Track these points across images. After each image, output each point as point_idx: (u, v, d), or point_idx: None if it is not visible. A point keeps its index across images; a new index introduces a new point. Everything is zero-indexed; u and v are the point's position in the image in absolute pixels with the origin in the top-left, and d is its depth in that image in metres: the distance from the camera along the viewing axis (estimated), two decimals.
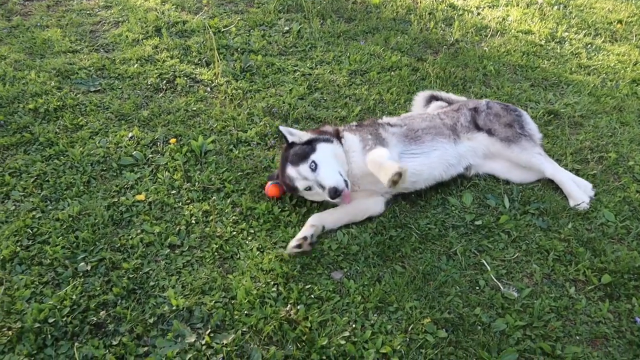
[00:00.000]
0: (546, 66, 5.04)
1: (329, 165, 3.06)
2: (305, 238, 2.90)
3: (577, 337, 2.58)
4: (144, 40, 5.06)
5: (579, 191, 3.39)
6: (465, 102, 3.84)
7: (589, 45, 5.51)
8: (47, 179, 3.34)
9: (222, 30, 5.31)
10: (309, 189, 3.08)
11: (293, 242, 2.88)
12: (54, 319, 2.46)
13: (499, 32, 5.63)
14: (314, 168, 3.03)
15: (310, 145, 3.13)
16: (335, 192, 2.92)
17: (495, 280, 2.86)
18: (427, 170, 3.34)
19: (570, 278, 2.90)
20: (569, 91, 4.66)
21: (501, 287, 2.82)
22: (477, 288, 2.81)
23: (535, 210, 3.32)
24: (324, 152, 3.10)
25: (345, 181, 3.01)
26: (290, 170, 3.08)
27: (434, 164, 3.37)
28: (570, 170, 3.67)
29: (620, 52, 5.38)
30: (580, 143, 3.95)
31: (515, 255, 3.00)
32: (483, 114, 3.63)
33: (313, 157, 3.06)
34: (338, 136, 3.28)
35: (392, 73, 4.71)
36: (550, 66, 5.05)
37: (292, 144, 3.17)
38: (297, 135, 3.21)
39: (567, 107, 4.40)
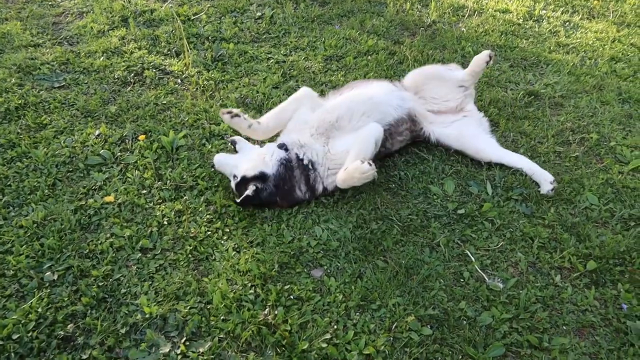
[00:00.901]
0: (525, 46, 4.95)
1: None
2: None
3: (564, 328, 2.52)
4: (110, 32, 4.85)
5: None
6: None
7: (567, 23, 5.43)
8: (8, 183, 3.17)
9: (192, 18, 5.12)
10: None
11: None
12: (18, 335, 2.32)
13: (476, 12, 5.52)
14: None
15: None
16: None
17: (480, 271, 2.78)
18: None
19: (556, 265, 2.84)
20: (549, 71, 4.57)
21: (486, 279, 2.75)
22: (462, 280, 2.74)
23: (518, 195, 3.24)
24: None
25: None
26: None
27: None
28: (552, 153, 3.60)
29: (597, 29, 5.31)
30: (562, 124, 3.88)
31: (500, 245, 2.93)
32: None
33: None
34: None
35: (369, 57, 4.58)
36: (528, 45, 4.96)
37: None
38: None
39: (547, 87, 4.32)
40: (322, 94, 4.01)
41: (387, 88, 3.59)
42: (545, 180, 3.30)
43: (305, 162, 3.13)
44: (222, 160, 3.17)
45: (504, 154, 3.49)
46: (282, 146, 3.17)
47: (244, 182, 3.03)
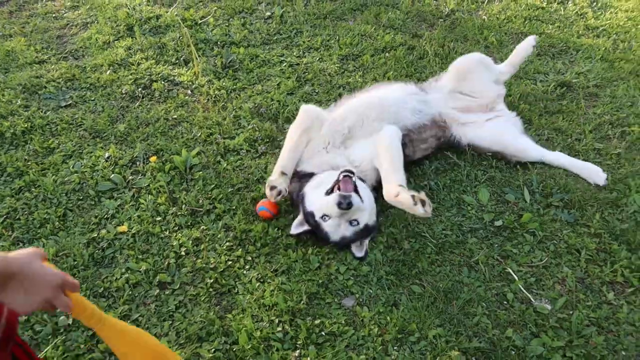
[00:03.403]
0: (551, 31, 4.65)
1: None
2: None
3: (623, 354, 2.30)
4: (115, 42, 4.66)
5: None
6: None
7: (594, 3, 5.10)
8: (17, 217, 3.00)
9: (199, 22, 4.90)
10: None
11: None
12: None
13: None
14: None
15: None
16: None
17: (524, 291, 2.56)
18: None
19: (607, 280, 2.60)
20: (579, 58, 4.29)
21: (532, 300, 2.52)
22: (506, 303, 2.52)
23: (558, 201, 3.01)
24: None
25: None
26: None
27: None
28: (592, 151, 3.35)
29: (628, 7, 4.98)
30: (599, 117, 3.61)
31: (544, 260, 2.70)
32: None
33: None
34: None
35: (387, 54, 4.33)
36: (555, 31, 4.66)
37: None
38: None
39: (579, 76, 4.04)
40: (339, 97, 3.79)
41: (405, 90, 3.35)
42: (595, 172, 3.13)
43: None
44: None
45: (545, 153, 3.26)
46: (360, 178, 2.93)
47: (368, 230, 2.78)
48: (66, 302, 1.46)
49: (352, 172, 2.70)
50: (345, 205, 2.55)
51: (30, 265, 1.38)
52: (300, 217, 2.83)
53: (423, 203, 2.58)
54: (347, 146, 3.07)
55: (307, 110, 3.13)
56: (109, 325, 1.64)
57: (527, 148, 3.25)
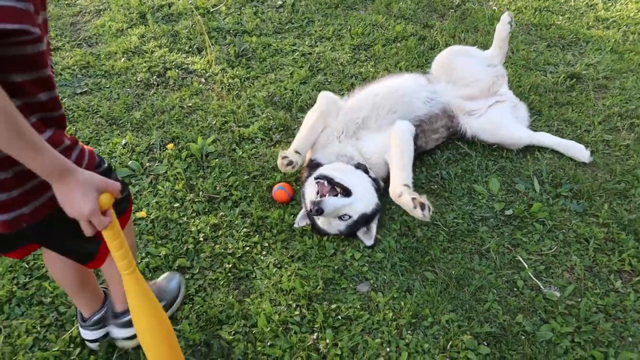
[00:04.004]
0: (561, 22, 4.68)
1: None
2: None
3: (630, 340, 2.38)
4: (128, 30, 4.70)
5: None
6: None
7: None
8: None
9: (211, 10, 4.94)
10: None
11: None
12: None
13: None
14: None
15: None
16: None
17: (534, 278, 2.63)
18: None
19: (615, 269, 2.67)
20: (589, 49, 4.32)
21: (542, 287, 2.60)
22: (516, 290, 2.59)
23: (568, 192, 3.07)
24: None
25: None
26: None
27: None
28: (601, 142, 3.40)
29: None
30: (608, 109, 3.66)
31: (553, 248, 2.77)
32: None
33: None
34: None
35: (398, 44, 4.37)
36: (565, 22, 4.69)
37: None
38: None
39: (588, 68, 4.08)
40: (351, 87, 3.85)
41: (416, 81, 3.41)
42: (579, 150, 3.27)
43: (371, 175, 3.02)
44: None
45: (532, 136, 3.36)
46: (360, 166, 3.01)
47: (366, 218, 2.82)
48: (104, 220, 1.50)
49: (325, 177, 2.75)
50: (314, 213, 2.62)
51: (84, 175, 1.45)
52: (303, 210, 2.91)
53: (422, 207, 2.62)
54: (359, 137, 3.13)
55: (326, 96, 3.21)
56: (136, 276, 1.71)
57: (520, 137, 3.33)
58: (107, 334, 2.29)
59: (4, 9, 1.20)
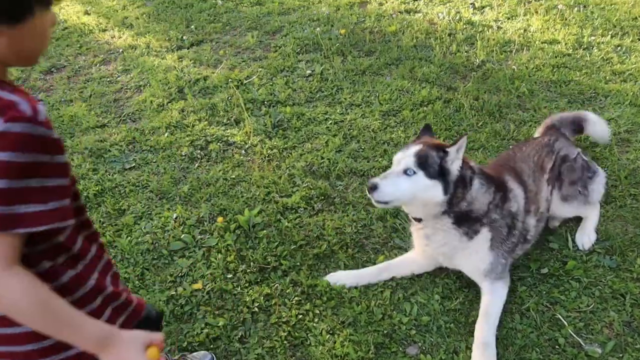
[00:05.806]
0: (579, 78, 4.90)
1: None
2: None
3: None
4: (169, 105, 5.03)
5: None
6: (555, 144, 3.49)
7: (619, 48, 5.36)
8: None
9: (245, 82, 5.27)
10: None
11: None
12: None
13: (523, 47, 5.50)
14: None
15: None
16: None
17: (574, 335, 2.75)
18: None
19: None
20: (608, 104, 4.52)
21: (583, 344, 2.71)
22: (558, 347, 2.71)
23: (601, 249, 3.21)
24: None
25: None
26: None
27: None
28: (628, 196, 3.55)
29: None
30: (632, 163, 3.82)
31: (591, 305, 2.89)
32: (565, 166, 3.38)
33: None
34: None
35: (425, 109, 4.62)
36: (583, 77, 4.91)
37: None
38: None
39: (610, 122, 4.26)
40: (384, 153, 4.07)
41: None
42: None
43: None
44: None
45: None
46: None
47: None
48: None
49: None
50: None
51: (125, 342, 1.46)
52: None
53: None
54: None
55: None
56: None
57: None
58: None
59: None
